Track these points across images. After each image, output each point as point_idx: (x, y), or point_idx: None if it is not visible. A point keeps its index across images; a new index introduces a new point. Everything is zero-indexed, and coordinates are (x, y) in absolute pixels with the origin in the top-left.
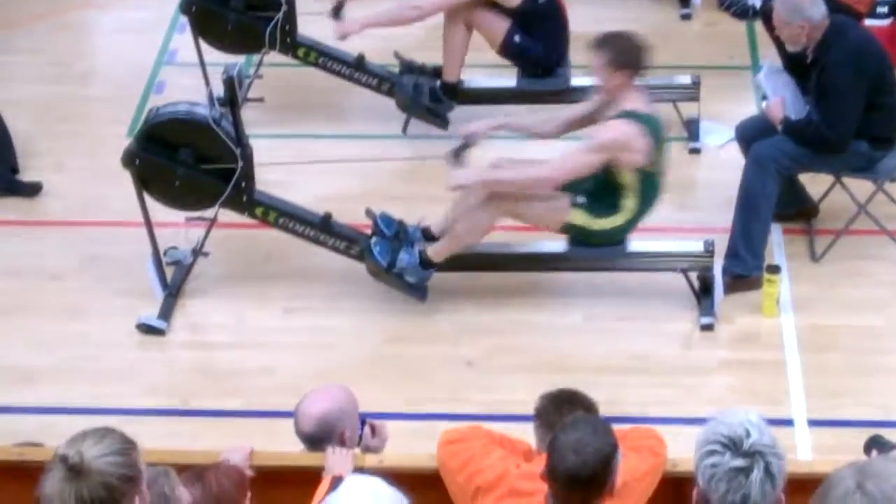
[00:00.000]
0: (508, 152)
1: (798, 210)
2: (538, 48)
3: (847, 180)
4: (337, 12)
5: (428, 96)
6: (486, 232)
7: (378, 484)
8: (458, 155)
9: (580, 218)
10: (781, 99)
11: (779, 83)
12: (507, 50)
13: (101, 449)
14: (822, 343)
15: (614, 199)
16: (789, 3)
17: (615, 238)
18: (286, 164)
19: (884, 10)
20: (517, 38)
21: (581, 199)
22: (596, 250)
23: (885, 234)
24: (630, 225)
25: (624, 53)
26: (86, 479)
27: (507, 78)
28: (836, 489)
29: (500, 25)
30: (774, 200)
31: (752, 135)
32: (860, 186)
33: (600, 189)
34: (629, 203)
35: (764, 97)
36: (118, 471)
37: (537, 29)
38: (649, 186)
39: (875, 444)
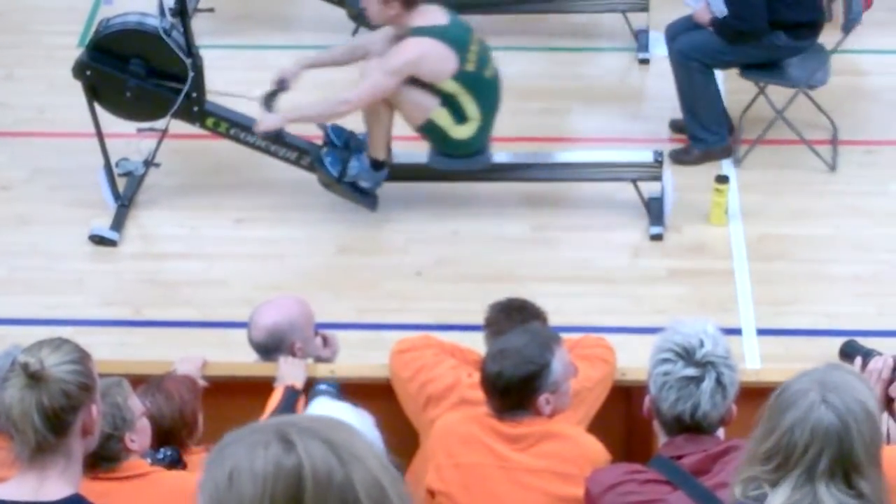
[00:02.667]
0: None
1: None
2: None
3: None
4: (269, 100)
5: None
6: (389, 115)
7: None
8: (269, 100)
9: (443, 118)
10: (705, 4)
11: None
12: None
13: (59, 357)
14: (770, 252)
15: (459, 107)
16: None
17: (473, 147)
18: (237, 74)
19: None
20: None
21: (442, 104)
22: (459, 161)
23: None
24: (483, 130)
25: None
26: (46, 387)
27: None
28: (800, 402)
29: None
30: (711, 83)
31: (678, 33)
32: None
33: (445, 100)
34: (471, 109)
35: None
36: (77, 378)
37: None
38: (479, 86)
39: (852, 350)
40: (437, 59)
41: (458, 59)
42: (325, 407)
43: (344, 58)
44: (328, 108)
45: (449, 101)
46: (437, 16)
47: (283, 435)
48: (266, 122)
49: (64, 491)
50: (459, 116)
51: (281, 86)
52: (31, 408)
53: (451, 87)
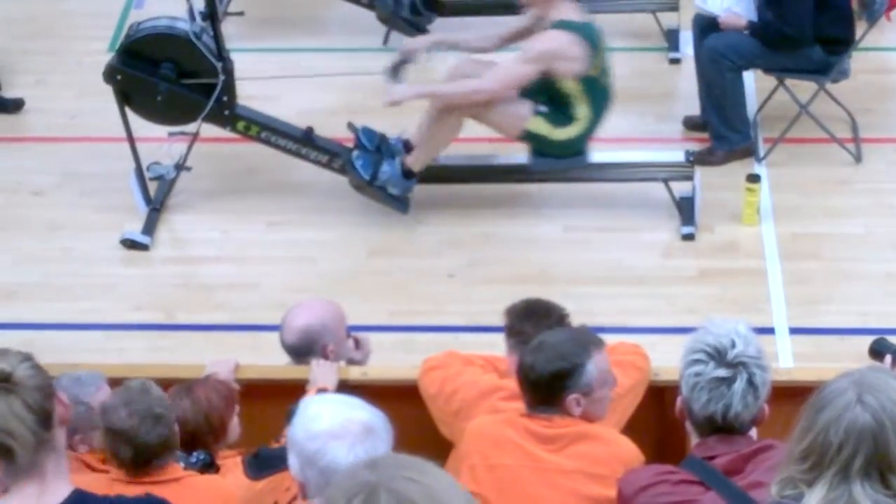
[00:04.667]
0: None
1: None
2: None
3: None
4: (395, 71)
5: (408, 9)
6: (452, 135)
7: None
8: (395, 71)
9: (541, 126)
10: (729, 9)
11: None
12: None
13: (12, 359)
14: (802, 251)
15: (567, 108)
16: None
17: (575, 148)
18: (268, 78)
19: None
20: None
21: (542, 108)
22: (557, 161)
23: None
24: (587, 133)
25: None
26: (21, 387)
27: None
28: (836, 402)
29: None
30: (740, 83)
31: (708, 30)
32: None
33: (552, 100)
34: (581, 111)
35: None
36: (37, 372)
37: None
38: (596, 92)
39: (881, 348)
40: (573, 56)
41: (590, 61)
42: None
43: (477, 42)
44: (461, 91)
45: (560, 102)
46: (577, 12)
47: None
48: (395, 92)
49: (63, 489)
50: (565, 118)
51: (407, 57)
52: (21, 410)
53: (571, 87)
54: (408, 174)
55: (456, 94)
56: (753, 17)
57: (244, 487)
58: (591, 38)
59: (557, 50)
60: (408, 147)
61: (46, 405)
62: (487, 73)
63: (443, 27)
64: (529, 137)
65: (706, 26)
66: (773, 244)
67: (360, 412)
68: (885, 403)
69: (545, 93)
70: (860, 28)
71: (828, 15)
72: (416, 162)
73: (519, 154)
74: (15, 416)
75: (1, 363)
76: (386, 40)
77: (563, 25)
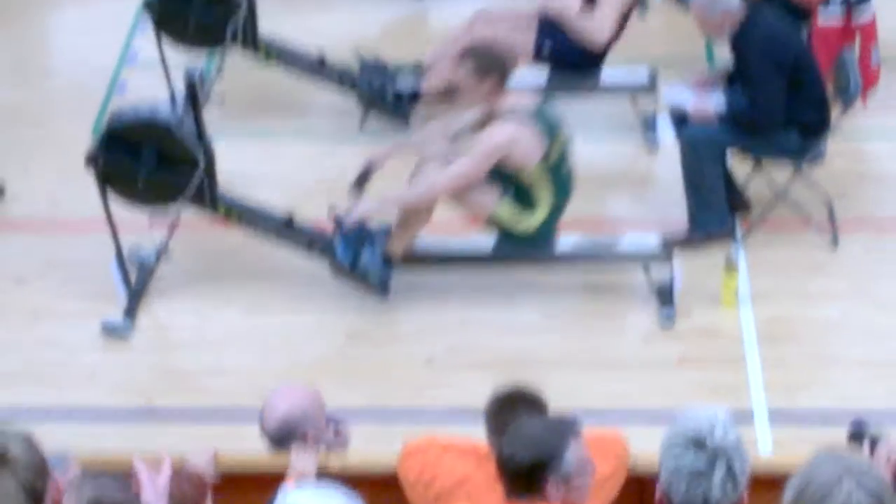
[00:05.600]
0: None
1: (731, 203)
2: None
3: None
4: (359, 185)
5: (390, 94)
6: (428, 214)
7: (330, 492)
8: (360, 183)
9: (506, 212)
10: (697, 100)
11: (683, 91)
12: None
13: (11, 438)
14: (781, 335)
15: (530, 195)
16: None
17: (541, 234)
18: (248, 163)
19: (836, 7)
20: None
21: (508, 194)
22: (523, 249)
23: (808, 223)
24: (552, 218)
25: (485, 60)
26: (15, 466)
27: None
28: (835, 492)
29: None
30: (719, 168)
31: (685, 117)
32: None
33: (515, 189)
34: (544, 197)
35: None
36: (34, 450)
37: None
38: (557, 177)
39: (860, 432)
40: (528, 143)
41: (546, 146)
42: (310, 491)
43: (429, 143)
44: (419, 194)
45: (521, 190)
46: (526, 98)
47: None
48: (359, 209)
49: None
50: (529, 205)
51: (370, 168)
52: (12, 488)
53: (530, 174)
54: (388, 260)
55: (415, 198)
56: (723, 104)
57: None
58: (545, 122)
59: (510, 140)
60: (388, 233)
61: (38, 485)
62: (444, 170)
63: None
64: (496, 223)
65: (682, 114)
66: (752, 328)
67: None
68: (880, 485)
69: (506, 181)
70: (836, 112)
71: (800, 99)
72: (395, 247)
73: (485, 240)
74: (5, 494)
75: None
76: (362, 125)
77: (513, 114)
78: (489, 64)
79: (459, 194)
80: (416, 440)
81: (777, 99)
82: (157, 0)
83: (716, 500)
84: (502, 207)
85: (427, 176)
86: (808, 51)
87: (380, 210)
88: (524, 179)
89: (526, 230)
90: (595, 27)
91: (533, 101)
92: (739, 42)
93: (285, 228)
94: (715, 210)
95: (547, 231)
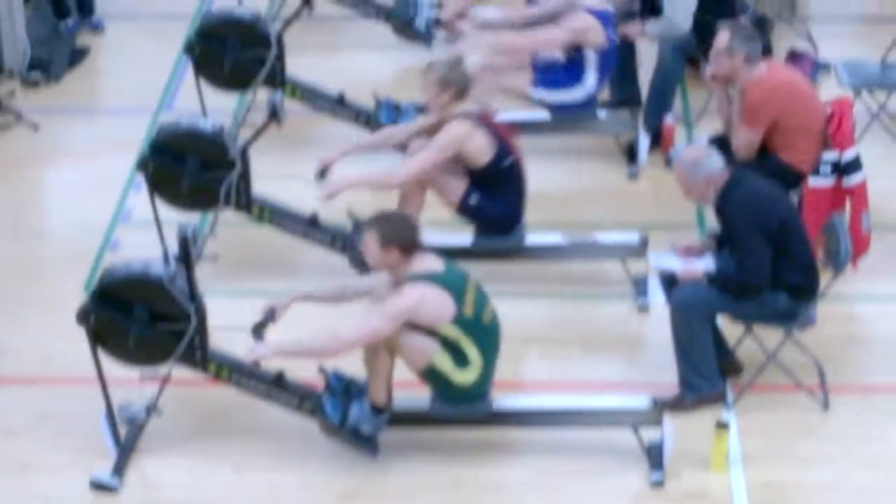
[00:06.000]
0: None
1: (722, 366)
2: (495, 208)
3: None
4: (259, 330)
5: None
6: (390, 364)
7: None
8: (260, 328)
9: (444, 364)
10: (685, 264)
11: (670, 258)
12: (464, 210)
13: None
14: (772, 499)
15: (460, 352)
16: (688, 164)
17: (475, 392)
18: (241, 322)
19: (826, 169)
20: (473, 200)
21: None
22: (458, 408)
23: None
24: (485, 376)
25: (389, 231)
26: None
27: (461, 235)
28: None
29: (458, 186)
30: (709, 331)
31: (675, 281)
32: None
33: (445, 346)
34: (472, 353)
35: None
36: None
37: (496, 189)
38: (479, 332)
39: None
40: (435, 304)
41: (456, 304)
42: None
43: (336, 296)
44: (323, 345)
45: (450, 346)
46: (432, 263)
47: None
48: (257, 350)
49: None
50: (461, 361)
51: (270, 316)
52: None
53: (451, 331)
54: (376, 410)
55: (317, 348)
56: (712, 267)
57: None
58: (450, 281)
59: (414, 303)
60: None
61: None
62: (351, 323)
63: None
64: (432, 375)
65: (671, 277)
66: (743, 492)
67: None
68: None
69: (435, 339)
70: (826, 277)
71: (788, 262)
72: (376, 394)
73: (420, 398)
74: None
75: None
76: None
77: (418, 278)
78: (392, 234)
79: (398, 342)
80: None
81: (763, 262)
82: (150, 161)
83: None
84: (439, 358)
85: (337, 328)
86: (795, 215)
87: (275, 353)
88: (446, 337)
89: (461, 385)
90: (395, 172)
91: (439, 263)
92: (724, 206)
93: (275, 387)
94: (705, 373)
95: (481, 387)
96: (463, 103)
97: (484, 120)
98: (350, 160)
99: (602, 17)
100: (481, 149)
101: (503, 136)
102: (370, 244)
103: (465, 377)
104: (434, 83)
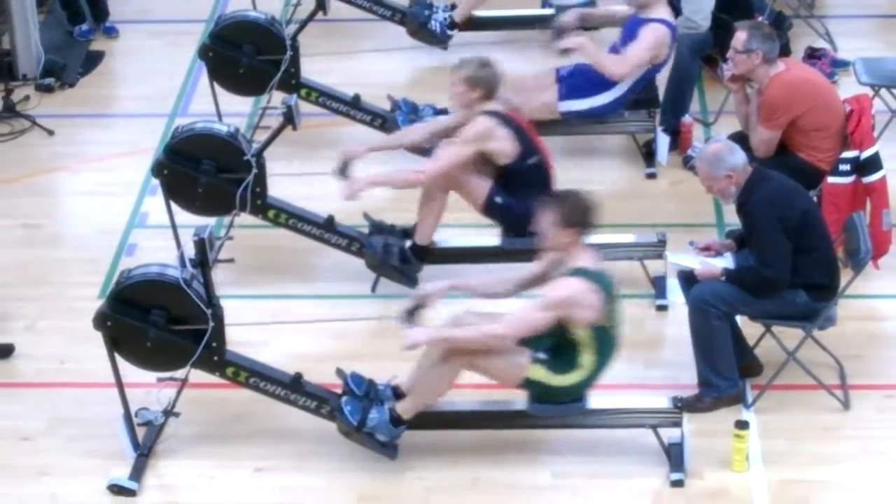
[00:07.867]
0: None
1: (742, 366)
2: (521, 207)
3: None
4: (410, 316)
5: (397, 257)
6: (449, 385)
7: None
8: (411, 315)
9: (539, 374)
10: (704, 262)
11: (688, 257)
12: (489, 209)
13: None
14: (793, 498)
15: (572, 355)
16: (710, 158)
17: (575, 394)
18: (257, 324)
19: (846, 167)
20: (498, 199)
21: (541, 356)
22: (556, 407)
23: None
24: (589, 381)
25: (570, 212)
26: None
27: (487, 236)
28: None
29: (483, 186)
30: (728, 330)
31: (690, 273)
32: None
33: (558, 346)
34: (586, 359)
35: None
36: None
37: (522, 188)
38: (605, 342)
39: None
40: (590, 305)
41: (603, 310)
42: None
43: (492, 290)
44: (477, 336)
45: (565, 348)
46: (594, 260)
47: None
48: (413, 336)
49: None
50: (566, 365)
51: (422, 301)
52: None
53: (581, 335)
54: (397, 421)
55: (472, 338)
56: (731, 264)
57: None
58: (606, 287)
59: (575, 298)
60: (397, 393)
61: None
62: (503, 318)
63: (430, 274)
64: (529, 385)
65: (690, 275)
66: (763, 491)
67: None
68: None
69: (553, 339)
70: (847, 275)
71: (808, 260)
72: (406, 411)
73: (513, 400)
74: None
75: None
76: (374, 287)
77: (581, 273)
78: (573, 216)
79: (490, 358)
80: None
81: (783, 257)
82: (166, 165)
83: None
84: (535, 369)
85: (488, 318)
86: (816, 212)
87: (433, 340)
88: (574, 339)
89: (560, 389)
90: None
91: (597, 263)
92: (745, 202)
93: (293, 390)
94: (725, 373)
95: (581, 390)
96: (490, 103)
97: (509, 117)
98: (367, 161)
99: (673, 28)
100: (506, 146)
101: (529, 133)
102: (545, 224)
103: (566, 380)
104: (463, 80)
